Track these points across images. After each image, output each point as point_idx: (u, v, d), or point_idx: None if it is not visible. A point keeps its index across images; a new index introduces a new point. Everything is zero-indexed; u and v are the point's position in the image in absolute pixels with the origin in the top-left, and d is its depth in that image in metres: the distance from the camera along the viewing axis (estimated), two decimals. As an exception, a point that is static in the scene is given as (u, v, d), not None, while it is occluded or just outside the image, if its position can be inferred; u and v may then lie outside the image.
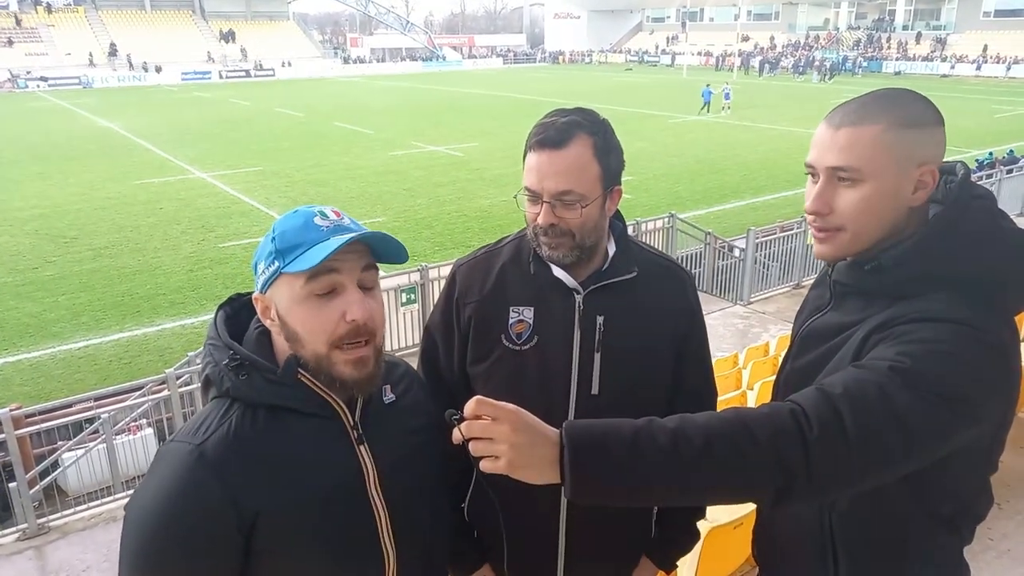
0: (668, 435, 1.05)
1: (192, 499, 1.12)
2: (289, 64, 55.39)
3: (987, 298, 1.19)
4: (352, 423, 1.25)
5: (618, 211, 1.65)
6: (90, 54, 49.78)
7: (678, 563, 1.85)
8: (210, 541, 1.13)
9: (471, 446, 1.07)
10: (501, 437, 1.06)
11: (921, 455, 1.11)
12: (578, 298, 1.59)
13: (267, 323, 1.23)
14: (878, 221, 1.25)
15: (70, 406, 6.08)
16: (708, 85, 30.72)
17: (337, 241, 1.14)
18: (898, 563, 1.31)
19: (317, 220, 1.18)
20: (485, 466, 1.07)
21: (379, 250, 1.22)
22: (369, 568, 1.26)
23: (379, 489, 1.26)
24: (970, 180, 1.28)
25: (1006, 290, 1.21)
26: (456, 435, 1.08)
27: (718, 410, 1.15)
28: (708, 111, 29.43)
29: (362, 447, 1.25)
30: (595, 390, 1.59)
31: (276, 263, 1.17)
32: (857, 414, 1.05)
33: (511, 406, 1.09)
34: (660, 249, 1.85)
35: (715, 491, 1.10)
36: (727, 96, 30.14)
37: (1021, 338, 1.53)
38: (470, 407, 1.08)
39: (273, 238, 1.18)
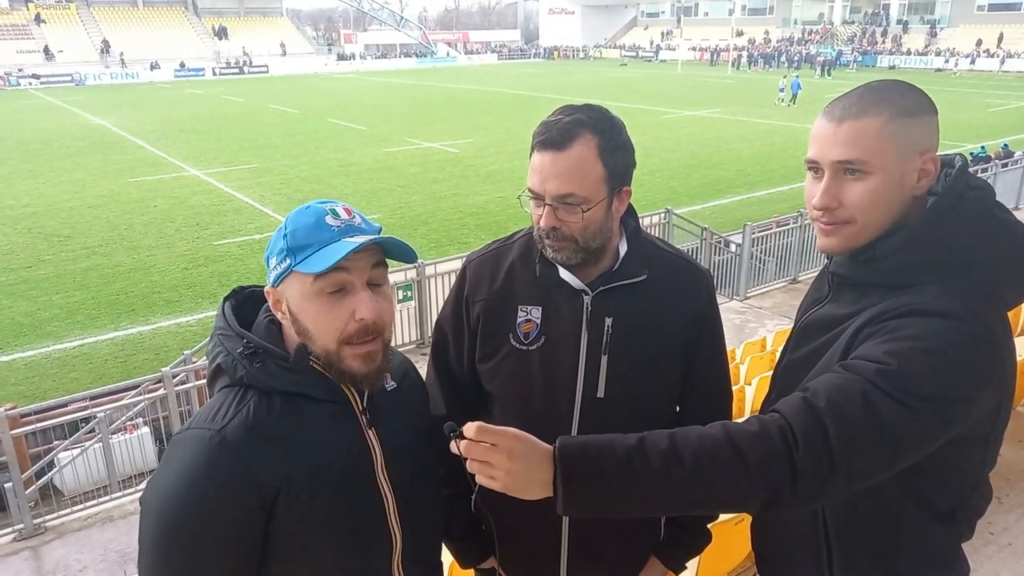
0: (660, 457, 1.09)
1: (216, 480, 1.14)
2: (272, 56, 55.08)
3: (979, 288, 1.19)
4: (362, 408, 1.28)
5: (631, 208, 1.62)
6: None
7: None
8: (235, 521, 1.16)
9: (468, 464, 1.12)
10: (498, 463, 1.10)
11: (908, 460, 1.14)
12: (586, 299, 1.56)
13: (278, 315, 1.26)
14: (886, 211, 1.26)
15: (65, 405, 6.07)
16: (797, 77, 32.04)
17: (347, 245, 1.16)
18: (890, 555, 1.31)
19: (328, 219, 1.20)
20: (481, 482, 1.12)
21: (389, 248, 1.25)
22: (377, 551, 1.30)
23: (386, 473, 1.29)
24: (967, 171, 1.28)
25: (999, 281, 1.21)
26: (453, 447, 1.13)
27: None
28: (795, 102, 29.99)
29: (371, 431, 1.28)
30: (601, 393, 1.56)
31: (287, 260, 1.19)
32: (842, 429, 1.08)
33: (510, 432, 1.12)
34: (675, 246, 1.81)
35: (702, 508, 1.19)
36: (782, 89, 31.10)
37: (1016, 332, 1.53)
38: (470, 432, 1.11)
39: (285, 235, 1.20)
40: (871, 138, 1.22)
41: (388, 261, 1.26)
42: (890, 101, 1.23)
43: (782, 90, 30.97)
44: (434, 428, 1.39)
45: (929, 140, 1.25)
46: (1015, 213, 1.32)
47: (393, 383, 1.38)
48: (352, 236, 1.19)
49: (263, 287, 1.31)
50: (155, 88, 43.46)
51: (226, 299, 1.32)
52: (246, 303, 1.34)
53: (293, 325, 1.23)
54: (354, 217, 1.23)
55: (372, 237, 1.20)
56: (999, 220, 1.24)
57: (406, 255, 1.26)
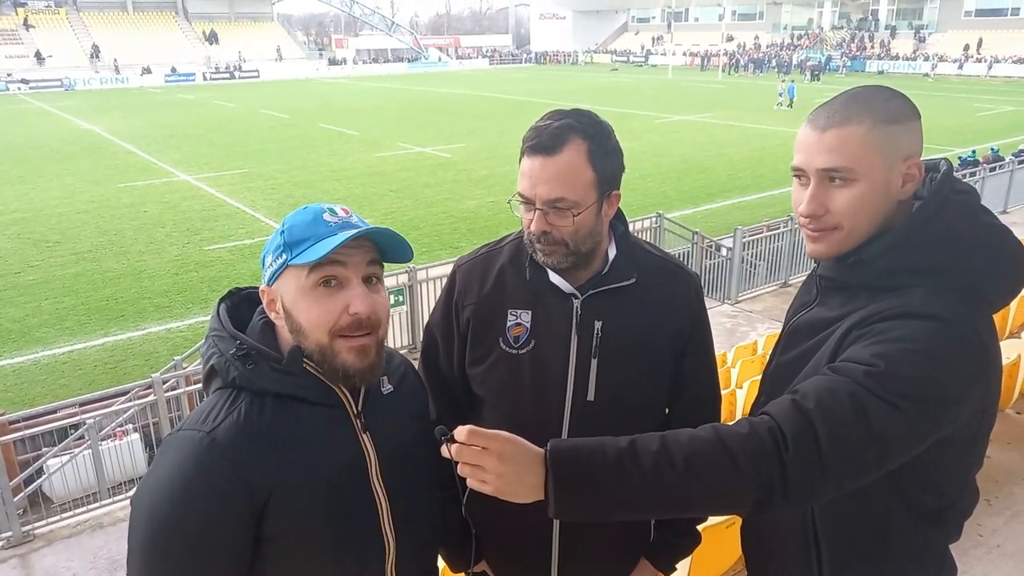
0: (651, 458, 1.09)
1: (206, 483, 1.13)
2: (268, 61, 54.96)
3: (965, 291, 1.21)
4: (356, 412, 1.28)
5: (620, 212, 1.63)
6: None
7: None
8: (224, 523, 1.15)
9: (460, 468, 1.12)
10: (490, 467, 1.10)
11: (896, 460, 1.15)
12: (576, 303, 1.56)
13: (272, 315, 1.26)
14: (872, 217, 1.27)
15: (55, 412, 6.03)
16: (793, 81, 33.11)
17: (343, 235, 1.18)
18: (879, 557, 1.32)
19: (326, 216, 1.21)
20: (472, 486, 1.12)
21: (385, 247, 1.25)
22: (370, 555, 1.29)
23: (380, 477, 1.29)
24: (952, 175, 1.30)
25: (984, 284, 1.23)
26: (444, 451, 1.12)
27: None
28: (792, 106, 30.21)
29: (365, 435, 1.28)
30: (591, 396, 1.57)
31: (284, 256, 1.20)
32: (831, 431, 1.09)
33: (501, 435, 1.12)
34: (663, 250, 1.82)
35: (694, 509, 1.18)
36: (781, 94, 31.57)
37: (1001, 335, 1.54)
38: (461, 436, 1.11)
39: (282, 231, 1.22)
40: (855, 145, 1.24)
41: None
42: (873, 108, 1.25)
43: (781, 95, 31.34)
44: (427, 432, 1.39)
45: (913, 145, 1.27)
46: (1003, 217, 1.34)
47: (390, 386, 1.37)
48: (348, 231, 1.20)
49: (258, 288, 1.30)
50: (146, 93, 43.24)
51: (221, 300, 1.32)
52: (241, 305, 1.34)
53: (287, 323, 1.23)
54: (351, 216, 1.24)
55: (369, 227, 1.21)
56: (984, 224, 1.26)
57: (403, 253, 1.26)
